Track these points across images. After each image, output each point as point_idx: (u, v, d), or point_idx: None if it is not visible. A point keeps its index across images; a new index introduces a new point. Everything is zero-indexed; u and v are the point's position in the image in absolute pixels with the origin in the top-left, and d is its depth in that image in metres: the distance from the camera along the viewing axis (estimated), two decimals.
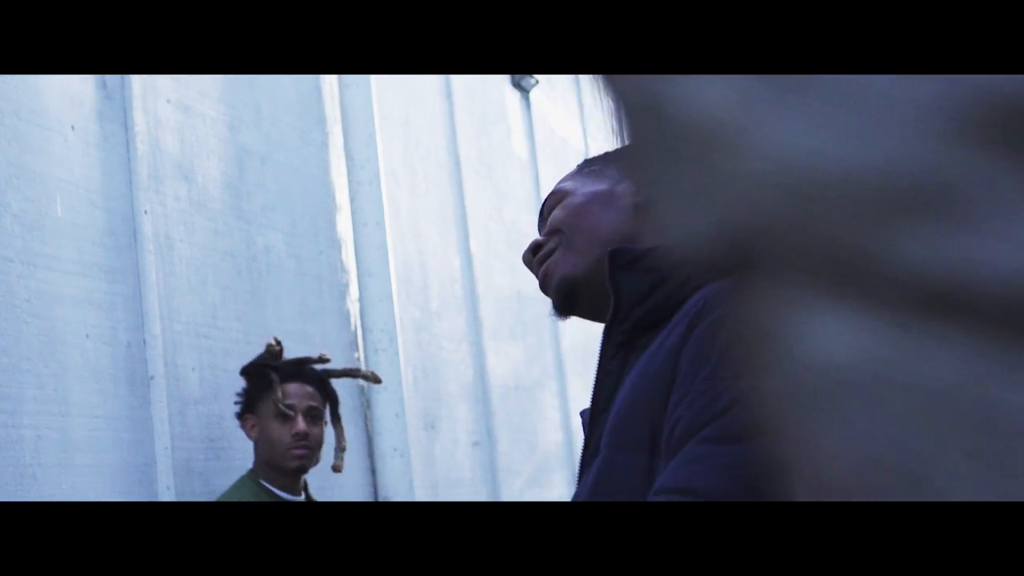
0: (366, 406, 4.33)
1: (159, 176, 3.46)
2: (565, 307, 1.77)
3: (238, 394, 3.42)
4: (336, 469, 3.58)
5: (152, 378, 3.26)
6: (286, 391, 3.34)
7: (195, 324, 3.50)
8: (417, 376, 4.68)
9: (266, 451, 3.33)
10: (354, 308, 4.39)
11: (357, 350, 4.35)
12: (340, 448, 3.59)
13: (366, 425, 4.31)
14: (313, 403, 3.41)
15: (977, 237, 0.43)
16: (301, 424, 3.32)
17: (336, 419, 3.56)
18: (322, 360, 3.53)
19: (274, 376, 3.35)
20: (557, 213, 1.82)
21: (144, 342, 3.27)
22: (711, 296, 1.52)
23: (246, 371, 3.44)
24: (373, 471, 4.32)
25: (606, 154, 1.92)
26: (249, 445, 3.41)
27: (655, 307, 1.60)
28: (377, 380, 3.80)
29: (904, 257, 0.44)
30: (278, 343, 3.45)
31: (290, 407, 3.31)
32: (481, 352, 5.30)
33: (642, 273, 1.63)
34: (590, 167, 1.91)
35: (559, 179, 1.91)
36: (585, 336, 5.60)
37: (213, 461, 3.45)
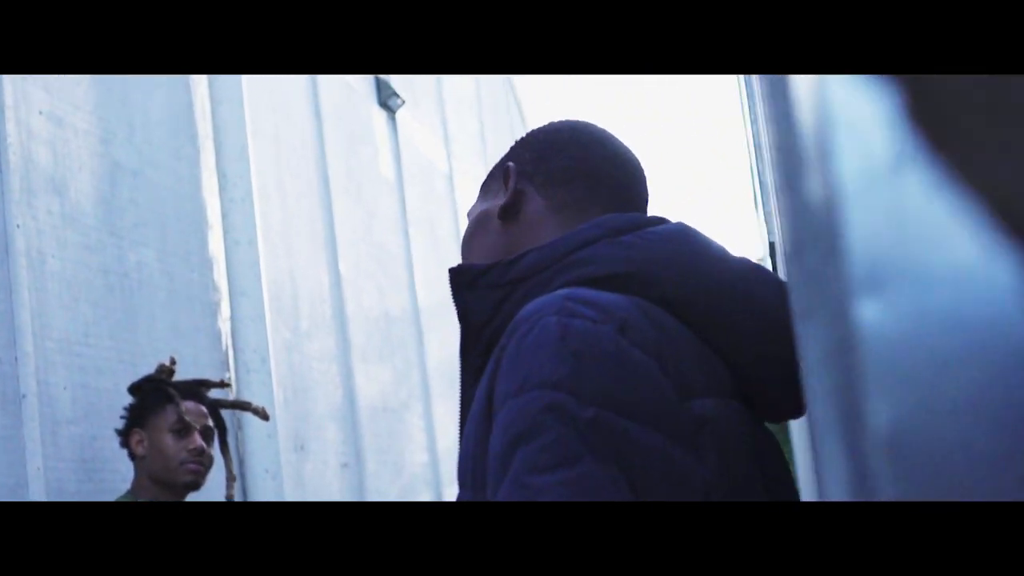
0: (237, 427, 4.26)
1: (31, 189, 3.36)
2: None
3: (126, 408, 3.34)
4: (229, 498, 3.52)
5: (24, 397, 3.17)
6: (184, 408, 3.28)
7: (67, 341, 3.41)
8: (288, 397, 4.62)
9: (157, 466, 3.26)
10: (225, 327, 4.32)
11: (228, 370, 4.27)
12: (230, 478, 3.53)
13: (237, 446, 4.24)
14: (208, 424, 3.37)
15: None
16: (198, 440, 3.26)
17: (224, 447, 3.51)
18: (223, 385, 3.50)
19: (174, 391, 3.29)
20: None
21: (16, 359, 3.17)
22: (522, 315, 1.39)
23: (139, 386, 3.37)
24: (245, 492, 4.25)
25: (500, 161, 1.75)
26: (124, 466, 3.33)
27: (502, 326, 1.44)
28: (265, 417, 3.74)
29: None
30: (173, 363, 3.40)
31: (188, 423, 3.26)
32: (350, 373, 5.25)
33: (485, 291, 1.51)
34: (486, 182, 1.77)
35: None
36: (452, 356, 5.59)
37: (86, 483, 3.36)
